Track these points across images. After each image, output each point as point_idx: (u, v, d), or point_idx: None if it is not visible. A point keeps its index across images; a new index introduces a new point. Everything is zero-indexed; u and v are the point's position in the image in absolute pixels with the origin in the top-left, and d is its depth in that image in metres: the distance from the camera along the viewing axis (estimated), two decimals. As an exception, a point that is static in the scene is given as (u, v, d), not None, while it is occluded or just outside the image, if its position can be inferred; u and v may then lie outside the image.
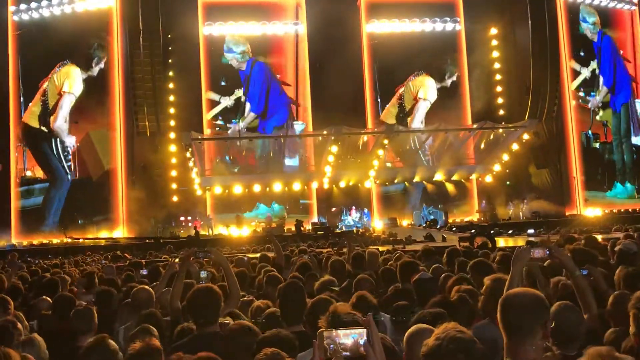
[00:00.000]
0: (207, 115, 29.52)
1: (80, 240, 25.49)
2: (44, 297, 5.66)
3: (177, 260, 6.94)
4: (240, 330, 3.62)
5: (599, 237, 12.77)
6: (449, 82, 31.36)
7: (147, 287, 5.59)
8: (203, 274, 5.96)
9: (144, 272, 6.53)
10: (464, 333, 2.36)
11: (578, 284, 3.79)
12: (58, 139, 27.85)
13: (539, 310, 2.67)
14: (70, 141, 27.96)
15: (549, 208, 28.83)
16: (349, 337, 2.07)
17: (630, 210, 30.19)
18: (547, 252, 3.78)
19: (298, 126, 30.26)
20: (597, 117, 31.94)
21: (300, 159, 30.17)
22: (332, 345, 2.05)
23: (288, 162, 29.69)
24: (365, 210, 29.32)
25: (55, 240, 26.14)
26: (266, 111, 30.06)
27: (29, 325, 5.01)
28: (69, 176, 27.91)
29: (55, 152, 27.89)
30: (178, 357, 2.99)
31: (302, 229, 26.04)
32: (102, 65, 28.18)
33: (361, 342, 2.06)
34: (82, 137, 28.22)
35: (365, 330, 2.08)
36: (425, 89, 31.10)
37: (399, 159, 30.19)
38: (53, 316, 5.16)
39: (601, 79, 32.00)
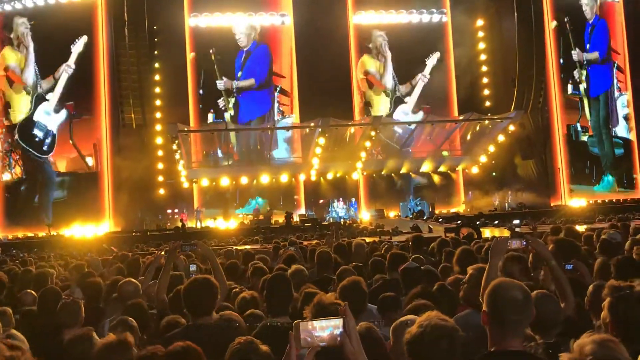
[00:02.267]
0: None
1: (66, 234, 25.29)
2: (28, 290, 5.64)
3: (163, 253, 6.93)
4: (227, 323, 3.63)
5: (583, 227, 12.95)
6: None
7: (133, 279, 5.59)
8: (193, 267, 5.95)
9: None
10: (446, 321, 2.40)
11: (554, 274, 3.84)
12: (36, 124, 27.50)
13: (527, 303, 2.72)
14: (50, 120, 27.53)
15: (534, 199, 29.08)
16: (324, 328, 2.08)
17: (614, 200, 30.56)
18: (524, 243, 3.82)
19: (286, 120, 30.28)
20: (585, 108, 32.07)
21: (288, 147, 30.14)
22: (309, 337, 2.06)
23: (277, 154, 29.70)
24: (353, 200, 29.42)
25: (40, 234, 25.93)
26: (261, 87, 29.96)
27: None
28: (49, 158, 27.55)
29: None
30: (154, 348, 2.99)
31: (291, 220, 26.08)
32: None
33: (337, 332, 2.07)
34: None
35: (341, 320, 2.09)
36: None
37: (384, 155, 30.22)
38: (38, 310, 5.14)
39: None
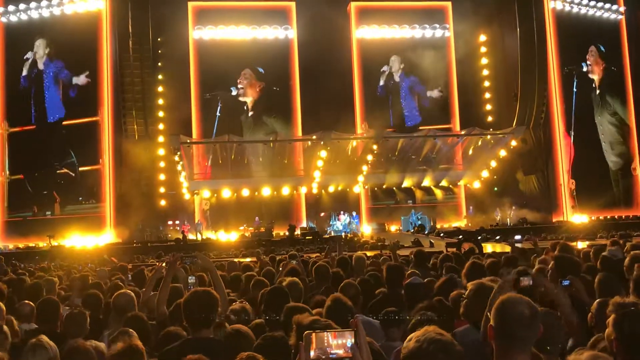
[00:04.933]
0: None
1: (66, 245, 25.24)
2: (26, 301, 5.64)
3: (164, 264, 6.92)
4: (236, 336, 3.61)
5: (585, 244, 12.92)
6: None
7: (128, 291, 5.57)
8: (191, 279, 5.93)
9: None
10: (443, 335, 2.41)
11: (558, 302, 3.86)
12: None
13: (534, 319, 2.72)
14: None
15: (536, 215, 29.02)
16: (335, 339, 2.09)
17: (616, 217, 30.49)
18: (531, 282, 3.85)
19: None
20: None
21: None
22: (320, 349, 2.08)
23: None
24: (354, 213, 29.40)
25: (41, 244, 25.91)
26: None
27: (20, 329, 4.99)
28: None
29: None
30: None
31: (295, 233, 26.00)
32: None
33: (348, 344, 2.09)
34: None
35: (353, 332, 2.11)
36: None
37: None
38: (37, 320, 5.14)
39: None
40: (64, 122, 28.05)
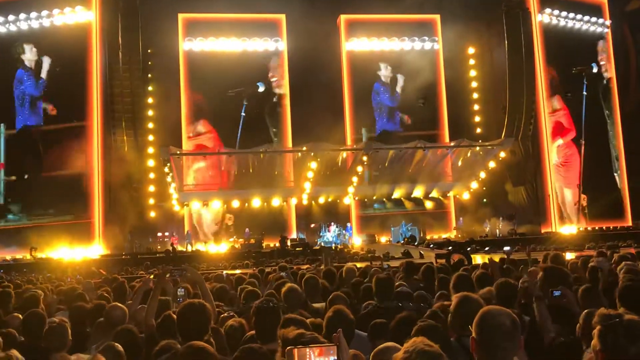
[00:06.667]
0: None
1: (54, 257, 24.95)
2: (15, 314, 5.58)
3: (152, 277, 6.88)
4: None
5: (573, 255, 13.00)
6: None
7: (120, 304, 5.54)
8: (181, 291, 5.90)
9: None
10: (432, 347, 2.41)
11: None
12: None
13: (515, 330, 2.75)
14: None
15: (524, 226, 29.13)
16: (318, 355, 2.09)
17: (604, 228, 30.68)
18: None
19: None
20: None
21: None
22: None
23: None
24: (348, 225, 29.38)
25: (28, 256, 25.62)
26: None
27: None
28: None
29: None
30: None
31: (286, 244, 25.89)
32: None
33: (331, 359, 2.08)
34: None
35: (335, 347, 2.10)
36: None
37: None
38: (23, 333, 5.08)
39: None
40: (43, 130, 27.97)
